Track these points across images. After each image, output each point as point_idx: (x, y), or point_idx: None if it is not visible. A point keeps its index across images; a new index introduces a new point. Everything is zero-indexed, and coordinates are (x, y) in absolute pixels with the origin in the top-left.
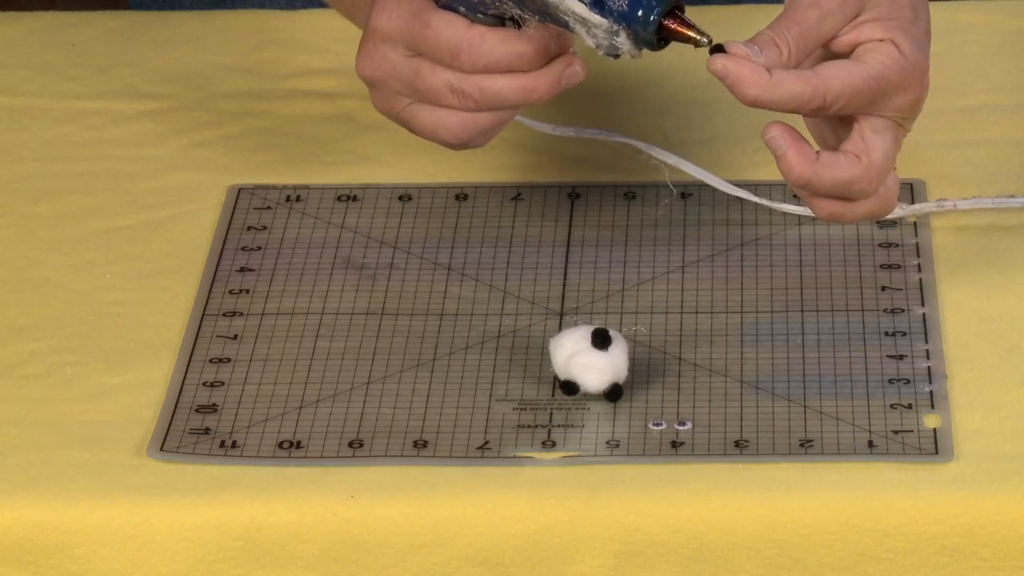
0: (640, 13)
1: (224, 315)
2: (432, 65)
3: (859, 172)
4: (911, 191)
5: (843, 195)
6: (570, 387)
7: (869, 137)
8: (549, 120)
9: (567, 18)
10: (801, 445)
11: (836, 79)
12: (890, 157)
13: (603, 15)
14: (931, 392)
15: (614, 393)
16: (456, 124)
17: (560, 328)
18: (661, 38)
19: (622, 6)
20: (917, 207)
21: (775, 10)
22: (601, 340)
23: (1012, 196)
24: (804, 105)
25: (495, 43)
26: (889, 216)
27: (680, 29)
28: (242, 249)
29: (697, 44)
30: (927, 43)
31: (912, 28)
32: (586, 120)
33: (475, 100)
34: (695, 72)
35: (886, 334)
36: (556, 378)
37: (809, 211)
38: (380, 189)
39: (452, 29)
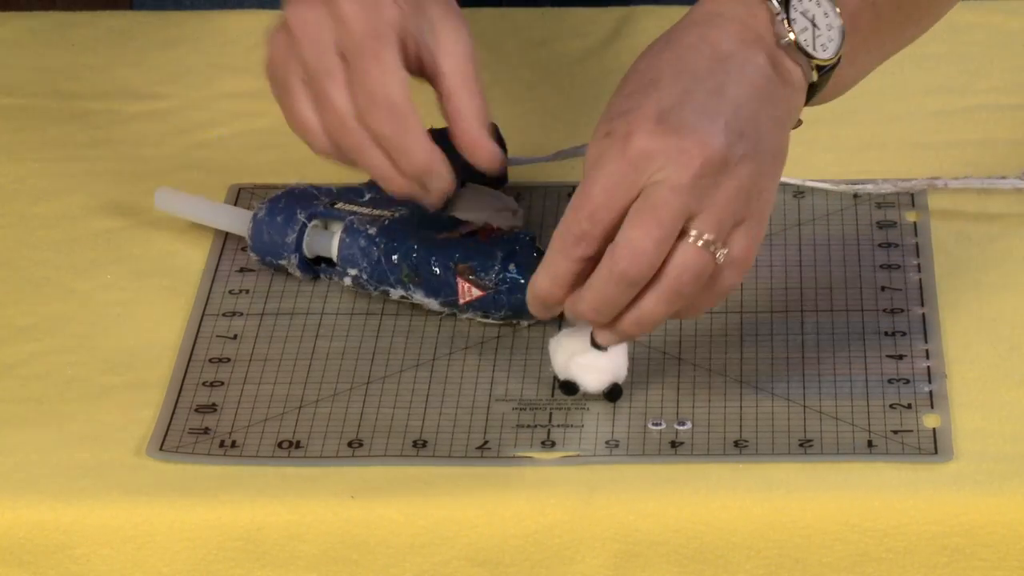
0: None
1: (224, 315)
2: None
3: None
4: (912, 196)
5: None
6: (569, 387)
7: None
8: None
9: None
10: (801, 445)
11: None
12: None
13: None
14: (931, 392)
15: (613, 393)
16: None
17: (560, 328)
18: None
19: None
20: (909, 184)
21: None
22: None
23: (1002, 177)
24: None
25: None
26: (884, 191)
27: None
28: (242, 249)
29: None
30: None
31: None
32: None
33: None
34: None
35: (886, 334)
36: (555, 378)
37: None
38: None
39: (396, 86)
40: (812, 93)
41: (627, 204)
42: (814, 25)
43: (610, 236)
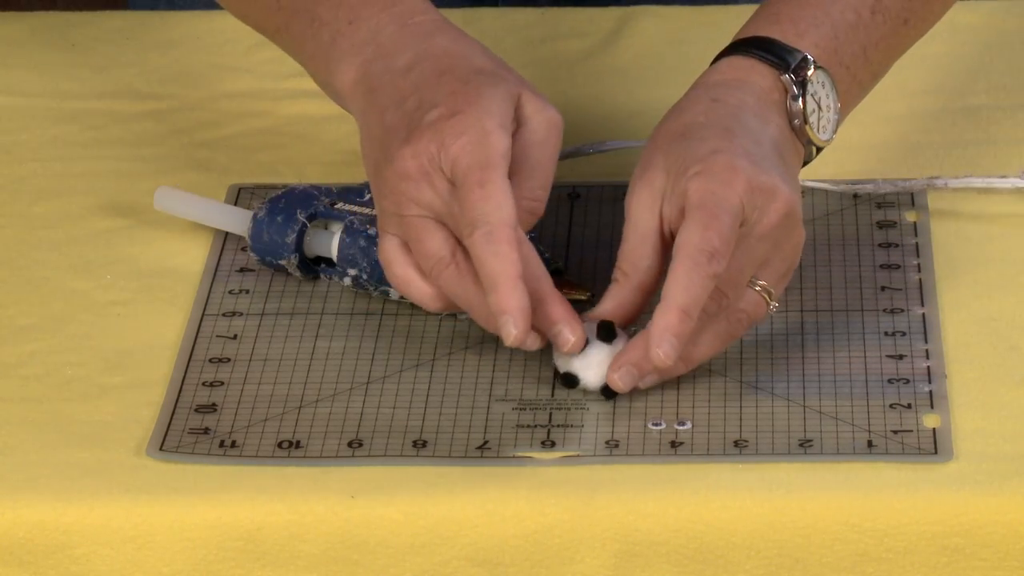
0: None
1: (224, 315)
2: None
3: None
4: (912, 196)
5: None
6: (570, 379)
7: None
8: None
9: None
10: (801, 445)
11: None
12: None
13: None
14: (930, 392)
15: (610, 390)
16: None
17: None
18: None
19: None
20: (909, 184)
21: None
22: (606, 333)
23: (1002, 176)
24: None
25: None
26: (883, 191)
27: (564, 291)
28: (242, 249)
29: (582, 300)
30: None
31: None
32: (587, 129)
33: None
34: (696, 74)
35: (886, 334)
36: (555, 371)
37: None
38: None
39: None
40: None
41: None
42: (819, 107)
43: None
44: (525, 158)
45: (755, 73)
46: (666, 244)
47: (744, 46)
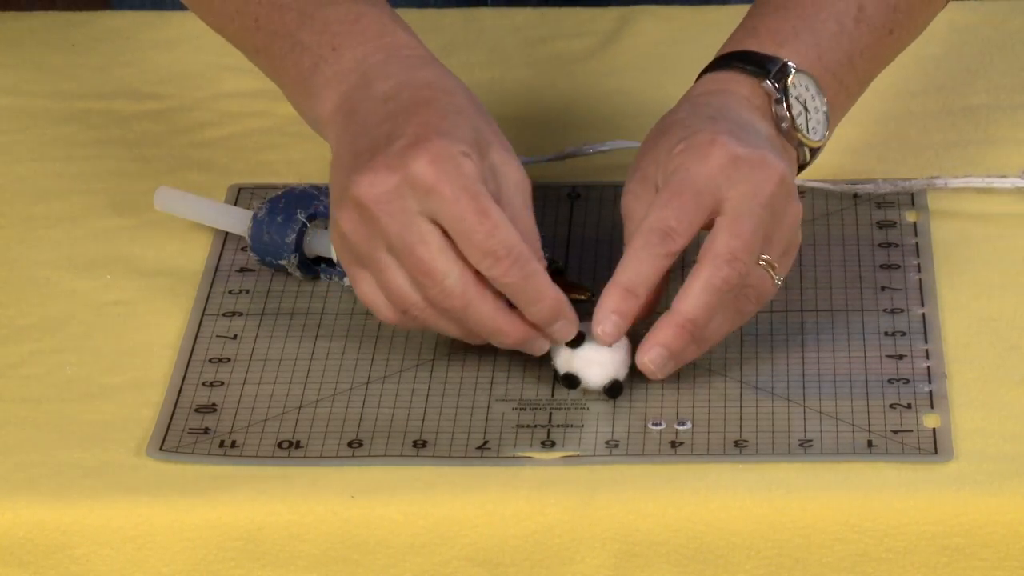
0: None
1: (224, 315)
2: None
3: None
4: (912, 196)
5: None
6: (571, 380)
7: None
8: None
9: None
10: (801, 445)
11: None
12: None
13: None
14: (930, 392)
15: (614, 389)
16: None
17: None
18: None
19: None
20: (909, 184)
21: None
22: None
23: (1002, 176)
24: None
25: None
26: (883, 191)
27: (565, 291)
28: (242, 249)
29: (583, 300)
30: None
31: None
32: (587, 129)
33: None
34: (696, 74)
35: (886, 334)
36: (555, 372)
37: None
38: None
39: (513, 234)
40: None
41: (713, 208)
42: (806, 109)
43: (690, 237)
44: (505, 209)
45: (735, 83)
46: None
47: (725, 60)
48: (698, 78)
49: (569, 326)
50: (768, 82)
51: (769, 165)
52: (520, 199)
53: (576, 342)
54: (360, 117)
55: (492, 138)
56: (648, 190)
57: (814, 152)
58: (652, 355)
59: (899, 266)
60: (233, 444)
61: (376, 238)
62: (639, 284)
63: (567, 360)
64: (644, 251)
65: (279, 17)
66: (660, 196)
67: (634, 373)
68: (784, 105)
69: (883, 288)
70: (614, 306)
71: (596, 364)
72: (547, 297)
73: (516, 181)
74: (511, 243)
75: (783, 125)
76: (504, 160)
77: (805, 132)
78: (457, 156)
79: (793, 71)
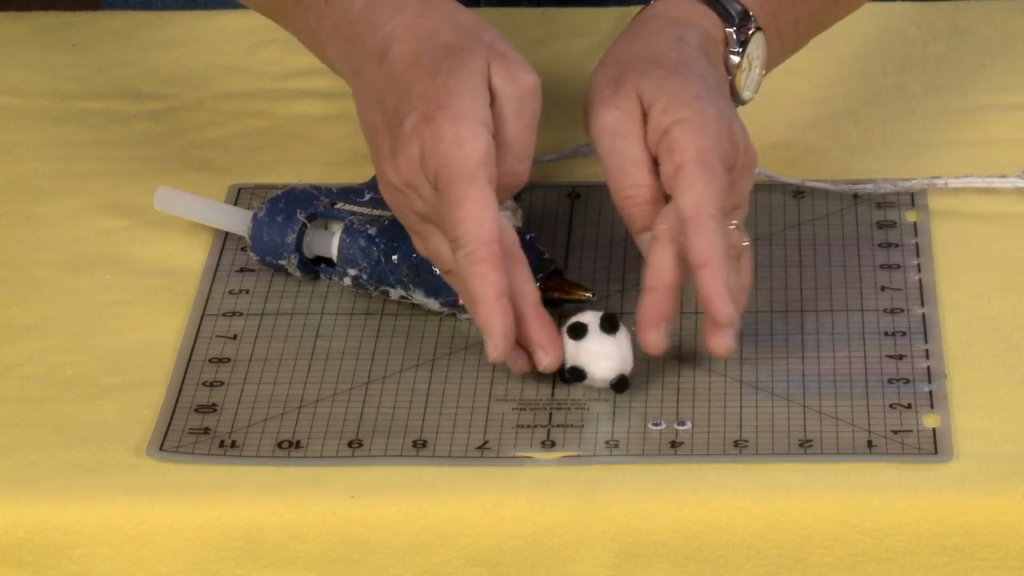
0: None
1: (224, 315)
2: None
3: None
4: (912, 196)
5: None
6: (577, 373)
7: None
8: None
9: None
10: (801, 445)
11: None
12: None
13: None
14: (930, 392)
15: (621, 384)
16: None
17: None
18: (547, 300)
19: None
20: (909, 184)
21: None
22: (610, 325)
23: (1002, 176)
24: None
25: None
26: (883, 191)
27: (566, 292)
28: (242, 249)
29: (584, 300)
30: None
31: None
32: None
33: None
34: None
35: (886, 334)
36: (561, 367)
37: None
38: None
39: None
40: None
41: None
42: (749, 67)
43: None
44: (501, 133)
45: (705, 18)
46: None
47: None
48: None
49: (491, 347)
50: (732, 30)
51: (749, 151)
52: (523, 116)
53: (579, 334)
54: (365, 80)
55: (485, 60)
56: (635, 126)
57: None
58: (731, 308)
59: (899, 266)
60: (233, 444)
61: (411, 213)
62: (727, 258)
63: (572, 354)
64: (719, 231)
65: None
66: (700, 175)
67: (634, 374)
68: (737, 58)
69: (883, 288)
70: (727, 285)
71: (603, 357)
72: (481, 301)
73: (522, 92)
74: (464, 241)
75: (729, 77)
76: (508, 78)
77: (741, 87)
78: (463, 134)
79: (754, 26)
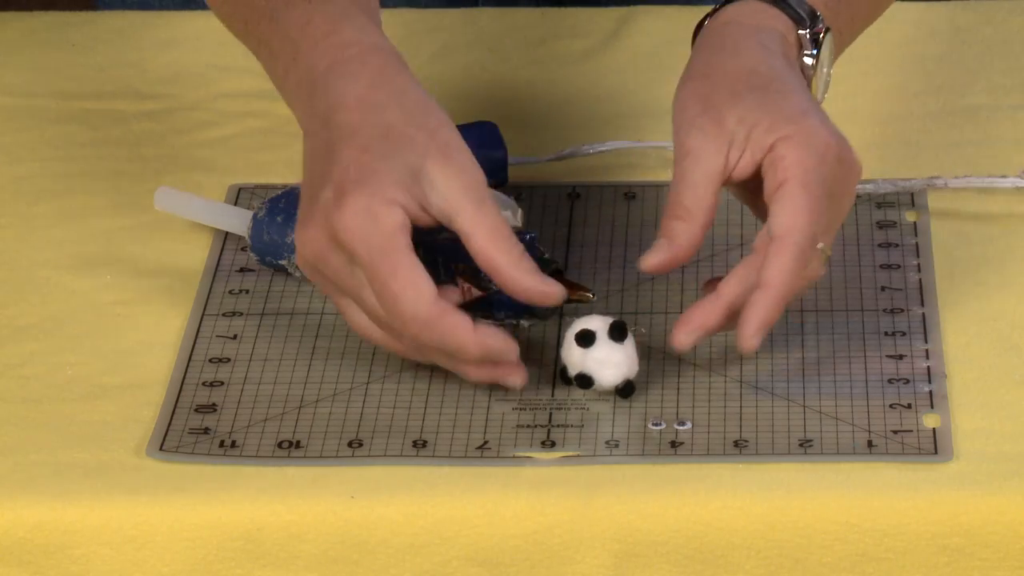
0: None
1: (224, 315)
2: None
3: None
4: (912, 196)
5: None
6: (584, 380)
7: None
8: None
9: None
10: (801, 445)
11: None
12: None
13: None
14: (930, 392)
15: (627, 389)
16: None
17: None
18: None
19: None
20: (909, 184)
21: None
22: (619, 333)
23: (1002, 176)
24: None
25: (460, 330)
26: (884, 191)
27: (566, 292)
28: (242, 249)
29: (585, 301)
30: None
31: (792, 109)
32: (587, 129)
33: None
34: None
35: (886, 334)
36: (564, 373)
37: None
38: None
39: (420, 302)
40: None
41: None
42: (821, 69)
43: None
44: (457, 221)
45: (779, 22)
46: (721, 186)
47: None
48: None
49: (508, 373)
50: (805, 32)
51: (855, 167)
52: (470, 204)
53: (587, 342)
54: (307, 143)
55: (422, 158)
56: (722, 140)
57: None
58: (758, 339)
59: (899, 266)
60: (233, 444)
61: (328, 285)
62: (790, 293)
63: (580, 360)
64: (800, 261)
65: (257, 21)
66: (800, 197)
67: (637, 373)
68: (813, 60)
69: (883, 288)
70: (772, 319)
71: (610, 364)
72: (470, 344)
73: (462, 186)
74: (412, 312)
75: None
76: (445, 173)
77: (815, 91)
78: (376, 208)
79: (823, 28)
